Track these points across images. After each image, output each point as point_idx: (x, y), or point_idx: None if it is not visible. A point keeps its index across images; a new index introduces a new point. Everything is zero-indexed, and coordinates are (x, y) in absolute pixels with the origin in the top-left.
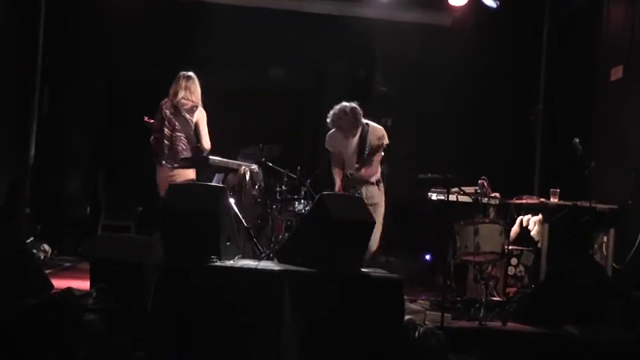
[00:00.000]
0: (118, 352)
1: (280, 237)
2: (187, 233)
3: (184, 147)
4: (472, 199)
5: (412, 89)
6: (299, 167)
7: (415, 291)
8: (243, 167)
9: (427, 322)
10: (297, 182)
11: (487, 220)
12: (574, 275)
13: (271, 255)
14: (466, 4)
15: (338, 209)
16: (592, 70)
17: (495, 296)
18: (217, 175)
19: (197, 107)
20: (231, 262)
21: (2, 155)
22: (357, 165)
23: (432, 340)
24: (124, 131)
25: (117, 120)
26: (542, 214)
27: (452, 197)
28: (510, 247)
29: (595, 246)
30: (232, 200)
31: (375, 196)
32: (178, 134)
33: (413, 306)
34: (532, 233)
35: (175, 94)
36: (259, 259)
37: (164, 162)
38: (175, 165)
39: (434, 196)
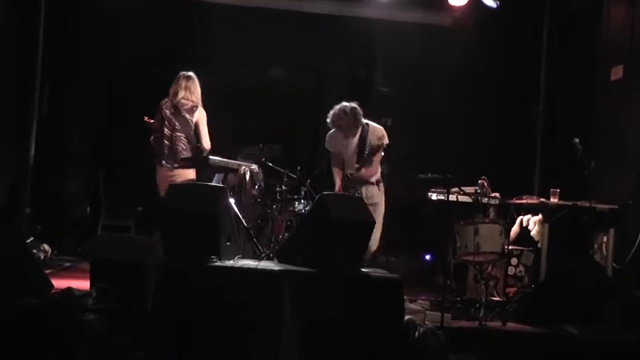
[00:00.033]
0: (118, 352)
1: (280, 237)
2: (187, 233)
3: (184, 147)
4: (472, 199)
5: (412, 89)
6: (299, 167)
7: (415, 291)
8: (243, 167)
9: (427, 322)
10: (297, 182)
11: (487, 220)
12: (574, 275)
13: (271, 255)
14: (466, 4)
15: (338, 209)
16: (592, 71)
17: (495, 296)
18: (217, 175)
19: (197, 107)
20: (231, 262)
21: (2, 155)
22: (357, 165)
23: (432, 340)
24: (124, 131)
25: (117, 120)
26: (542, 214)
27: (452, 197)
28: (510, 247)
29: (595, 246)
30: (232, 200)
31: (375, 196)
32: (178, 134)
33: (413, 306)
34: (532, 233)
35: (175, 93)
36: (259, 259)
37: (163, 162)
38: (175, 165)
39: (434, 196)
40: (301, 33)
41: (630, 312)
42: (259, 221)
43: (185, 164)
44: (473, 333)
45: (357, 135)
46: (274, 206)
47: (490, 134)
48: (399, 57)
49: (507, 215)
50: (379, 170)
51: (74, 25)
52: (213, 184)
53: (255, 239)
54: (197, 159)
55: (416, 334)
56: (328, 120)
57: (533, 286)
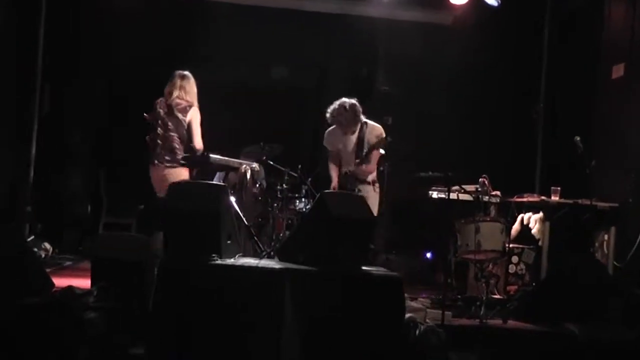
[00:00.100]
0: (118, 351)
1: (281, 235)
2: (188, 231)
3: (177, 147)
4: (473, 197)
5: (412, 88)
6: (299, 166)
7: (416, 289)
8: (244, 166)
9: (427, 320)
10: (298, 180)
11: (488, 219)
12: (574, 274)
13: (272, 253)
14: (467, 3)
15: (339, 207)
16: (593, 69)
17: (496, 294)
18: (218, 173)
19: (191, 106)
20: (232, 260)
21: (2, 155)
22: (357, 161)
23: (433, 338)
24: (124, 130)
25: (118, 119)
26: (543, 212)
27: (453, 196)
28: (511, 245)
29: (596, 244)
30: (233, 199)
31: (370, 197)
32: (171, 133)
33: (414, 304)
34: (533, 231)
35: (170, 93)
36: (260, 257)
37: (156, 161)
38: (168, 164)
39: (434, 194)
40: (302, 32)
41: (631, 310)
42: (260, 219)
43: (187, 162)
44: (474, 331)
45: (356, 134)
46: (275, 204)
47: (491, 132)
48: (400, 55)
49: (508, 213)
50: (376, 170)
51: (75, 24)
52: (214, 182)
53: (256, 238)
54: (199, 158)
55: (417, 332)
56: (327, 115)
57: (534, 284)
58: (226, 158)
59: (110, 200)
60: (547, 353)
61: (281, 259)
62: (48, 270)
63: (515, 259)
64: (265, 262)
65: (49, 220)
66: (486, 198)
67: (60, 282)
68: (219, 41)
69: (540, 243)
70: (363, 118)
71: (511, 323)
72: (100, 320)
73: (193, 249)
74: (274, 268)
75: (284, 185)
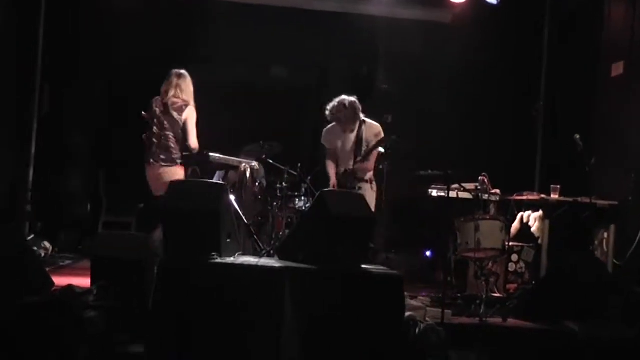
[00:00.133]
0: (118, 350)
1: (280, 234)
2: (187, 230)
3: (172, 146)
4: (473, 196)
5: (412, 86)
6: (299, 165)
7: (415, 288)
8: (244, 165)
9: (427, 319)
10: (298, 179)
11: (488, 217)
12: (574, 272)
13: (272, 252)
14: (467, 1)
15: (338, 205)
16: (593, 68)
17: (495, 292)
18: (218, 172)
19: (187, 105)
20: (232, 259)
21: (2, 155)
22: (359, 159)
23: (433, 337)
24: (124, 130)
25: (117, 120)
26: (542, 210)
27: (453, 194)
28: (510, 244)
29: (596, 242)
30: (232, 198)
31: (368, 195)
32: (167, 132)
33: (413, 303)
34: (533, 229)
35: (166, 92)
36: (260, 256)
37: (151, 160)
38: (163, 163)
39: (434, 193)
40: (302, 31)
41: (630, 308)
42: (260, 218)
43: (187, 161)
44: (474, 329)
45: (355, 132)
46: (275, 203)
47: (490, 131)
48: (400, 54)
49: (507, 211)
50: (373, 168)
51: (74, 25)
52: (214, 181)
53: (255, 236)
54: (198, 157)
55: (417, 330)
56: (327, 112)
57: (534, 282)
58: (226, 157)
59: (109, 200)
60: (547, 351)
61: (281, 258)
62: (48, 269)
63: (515, 257)
64: (265, 261)
65: (49, 220)
66: (486, 196)
67: (60, 281)
68: (218, 41)
69: (540, 241)
70: (362, 116)
71: (511, 321)
72: (100, 319)
73: (193, 248)
74: (274, 267)
75: (283, 184)
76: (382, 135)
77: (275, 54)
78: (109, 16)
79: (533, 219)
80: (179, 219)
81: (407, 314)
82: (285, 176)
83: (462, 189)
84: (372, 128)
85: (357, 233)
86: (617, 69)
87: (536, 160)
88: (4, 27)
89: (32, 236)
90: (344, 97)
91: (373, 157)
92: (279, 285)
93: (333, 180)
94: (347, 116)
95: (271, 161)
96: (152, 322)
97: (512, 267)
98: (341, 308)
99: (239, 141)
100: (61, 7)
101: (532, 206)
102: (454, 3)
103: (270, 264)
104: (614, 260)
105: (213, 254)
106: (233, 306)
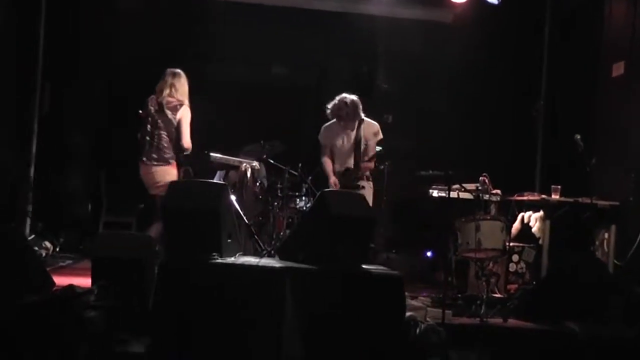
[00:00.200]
0: (118, 349)
1: (281, 234)
2: (188, 230)
3: (165, 145)
4: (474, 196)
5: (413, 86)
6: (300, 164)
7: (416, 288)
8: (244, 164)
9: (428, 319)
10: (299, 179)
11: (489, 217)
12: (575, 272)
13: (272, 252)
14: (467, 1)
15: (339, 205)
16: (593, 68)
17: (496, 293)
18: (218, 172)
19: (182, 105)
20: (232, 259)
21: (2, 155)
22: (366, 158)
23: (433, 337)
24: (124, 130)
25: (117, 120)
26: (543, 211)
27: (453, 194)
28: (511, 244)
29: (597, 243)
30: (233, 197)
31: (367, 193)
32: (160, 131)
33: (414, 303)
34: (534, 230)
35: (161, 91)
36: (261, 256)
37: (144, 158)
38: (155, 162)
39: (435, 193)
40: (302, 30)
41: (631, 308)
42: (260, 218)
43: (180, 160)
44: (474, 330)
45: (354, 130)
46: (275, 203)
47: (491, 131)
48: (400, 53)
49: (508, 211)
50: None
51: (74, 25)
52: (214, 181)
53: (256, 236)
54: (198, 157)
55: (417, 330)
56: (328, 111)
57: (534, 283)
58: (227, 156)
59: (110, 200)
60: (548, 351)
61: (281, 258)
62: (48, 269)
63: (515, 257)
64: (265, 261)
65: (50, 219)
66: (486, 196)
67: (60, 280)
68: (219, 40)
69: (540, 241)
70: (362, 115)
71: (511, 322)
72: (101, 319)
73: (193, 248)
74: (275, 267)
75: (284, 183)
76: (381, 134)
77: (276, 53)
78: (109, 16)
79: (534, 219)
80: (180, 218)
81: (408, 314)
82: (286, 176)
83: (462, 189)
84: (371, 127)
85: (358, 233)
86: (618, 69)
87: (536, 160)
88: (4, 27)
89: (32, 236)
90: (345, 95)
91: (371, 156)
92: (280, 285)
93: (332, 177)
94: (348, 114)
95: (272, 161)
96: (153, 321)
97: (512, 267)
98: (342, 308)
99: (239, 141)
100: (61, 7)
101: (533, 206)
102: (454, 3)
103: (270, 264)
104: (615, 261)
105: (214, 254)
106: (233, 305)
